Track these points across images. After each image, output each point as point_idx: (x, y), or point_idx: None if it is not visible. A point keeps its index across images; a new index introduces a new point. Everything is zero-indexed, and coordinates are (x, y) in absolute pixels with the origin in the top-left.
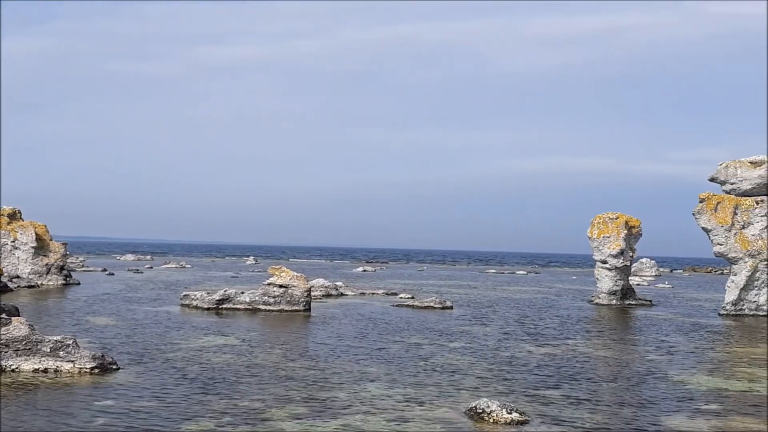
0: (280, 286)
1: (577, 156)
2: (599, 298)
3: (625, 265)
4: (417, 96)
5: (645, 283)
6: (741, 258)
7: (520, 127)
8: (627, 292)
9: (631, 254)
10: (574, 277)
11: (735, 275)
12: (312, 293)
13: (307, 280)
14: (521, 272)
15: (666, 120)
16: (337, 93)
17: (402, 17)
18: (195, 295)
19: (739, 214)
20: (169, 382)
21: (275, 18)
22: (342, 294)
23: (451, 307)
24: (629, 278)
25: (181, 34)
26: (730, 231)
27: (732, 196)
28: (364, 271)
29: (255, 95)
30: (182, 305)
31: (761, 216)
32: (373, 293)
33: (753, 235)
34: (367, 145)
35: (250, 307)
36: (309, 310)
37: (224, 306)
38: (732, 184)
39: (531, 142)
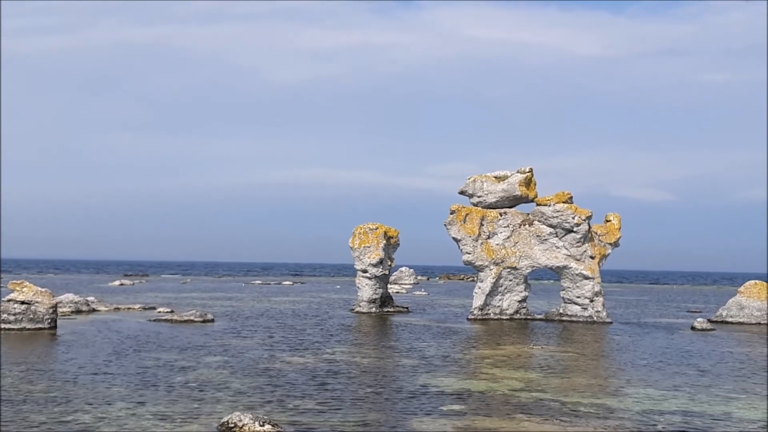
0: (22, 303)
1: (340, 169)
2: (360, 306)
3: (384, 274)
4: (171, 102)
5: (404, 290)
6: (487, 266)
7: (278, 136)
8: (386, 299)
9: (389, 263)
10: (339, 286)
11: (482, 282)
12: (59, 310)
13: (54, 296)
14: (287, 283)
15: (423, 134)
16: (78, 95)
17: (159, 18)
18: None
19: (485, 225)
20: None
21: (22, 13)
22: (94, 310)
23: (212, 320)
24: (388, 286)
25: None
26: (477, 241)
27: (479, 208)
28: (121, 284)
29: None
30: None
31: (504, 227)
32: (129, 308)
33: (497, 244)
34: (115, 152)
35: None
36: (55, 327)
37: None
38: (479, 197)
39: (291, 153)
